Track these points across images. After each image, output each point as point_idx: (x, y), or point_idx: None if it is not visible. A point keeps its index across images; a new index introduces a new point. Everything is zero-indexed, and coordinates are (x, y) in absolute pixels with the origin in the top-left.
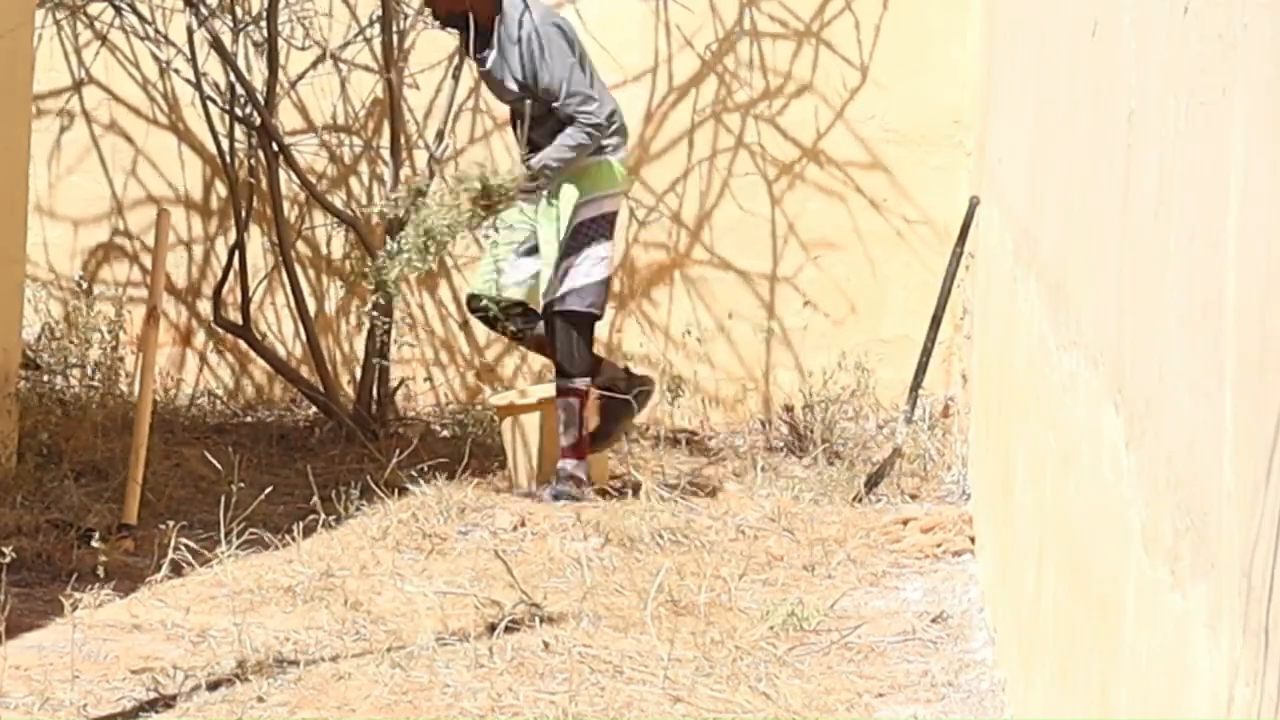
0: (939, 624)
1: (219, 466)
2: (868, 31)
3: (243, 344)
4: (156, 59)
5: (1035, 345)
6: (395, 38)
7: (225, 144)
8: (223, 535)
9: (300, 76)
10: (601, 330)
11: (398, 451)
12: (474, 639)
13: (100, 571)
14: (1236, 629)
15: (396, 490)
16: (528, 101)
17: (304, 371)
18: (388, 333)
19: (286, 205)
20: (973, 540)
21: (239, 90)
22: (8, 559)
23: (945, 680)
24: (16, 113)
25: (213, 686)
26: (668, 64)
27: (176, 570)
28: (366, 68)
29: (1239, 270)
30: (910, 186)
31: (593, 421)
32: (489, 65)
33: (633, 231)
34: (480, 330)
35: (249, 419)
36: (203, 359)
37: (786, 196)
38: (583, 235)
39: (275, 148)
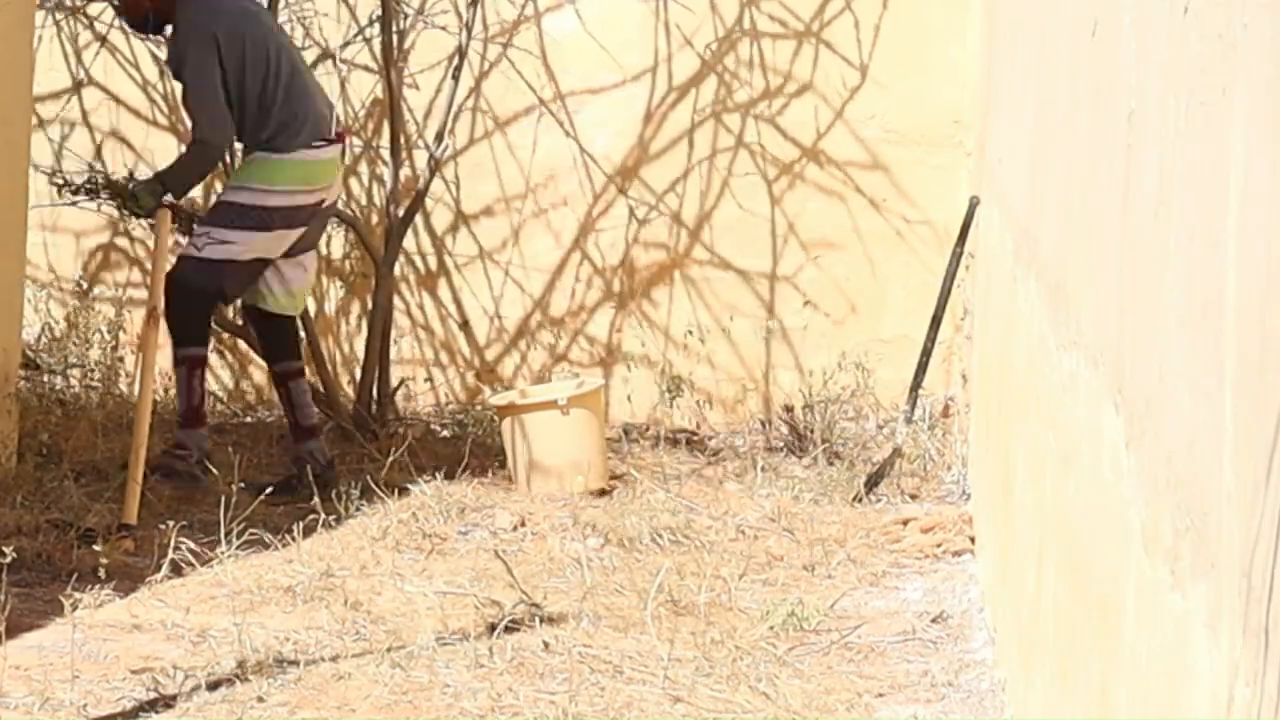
0: (939, 624)
1: (217, 468)
2: (867, 31)
3: (243, 344)
4: (156, 59)
5: (1035, 345)
6: (395, 38)
7: None
8: (223, 535)
9: None
10: (602, 330)
11: (394, 450)
12: (474, 639)
13: (100, 571)
14: (1236, 629)
15: (396, 490)
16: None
17: None
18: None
19: None
20: (973, 540)
21: None
22: (8, 559)
23: (945, 680)
24: (17, 113)
25: (213, 686)
26: (668, 64)
27: (176, 570)
28: (366, 68)
29: (1239, 270)
30: (910, 186)
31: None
32: (165, 59)
33: (633, 231)
34: (480, 330)
35: (249, 419)
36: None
37: (786, 196)
38: (223, 214)
39: None
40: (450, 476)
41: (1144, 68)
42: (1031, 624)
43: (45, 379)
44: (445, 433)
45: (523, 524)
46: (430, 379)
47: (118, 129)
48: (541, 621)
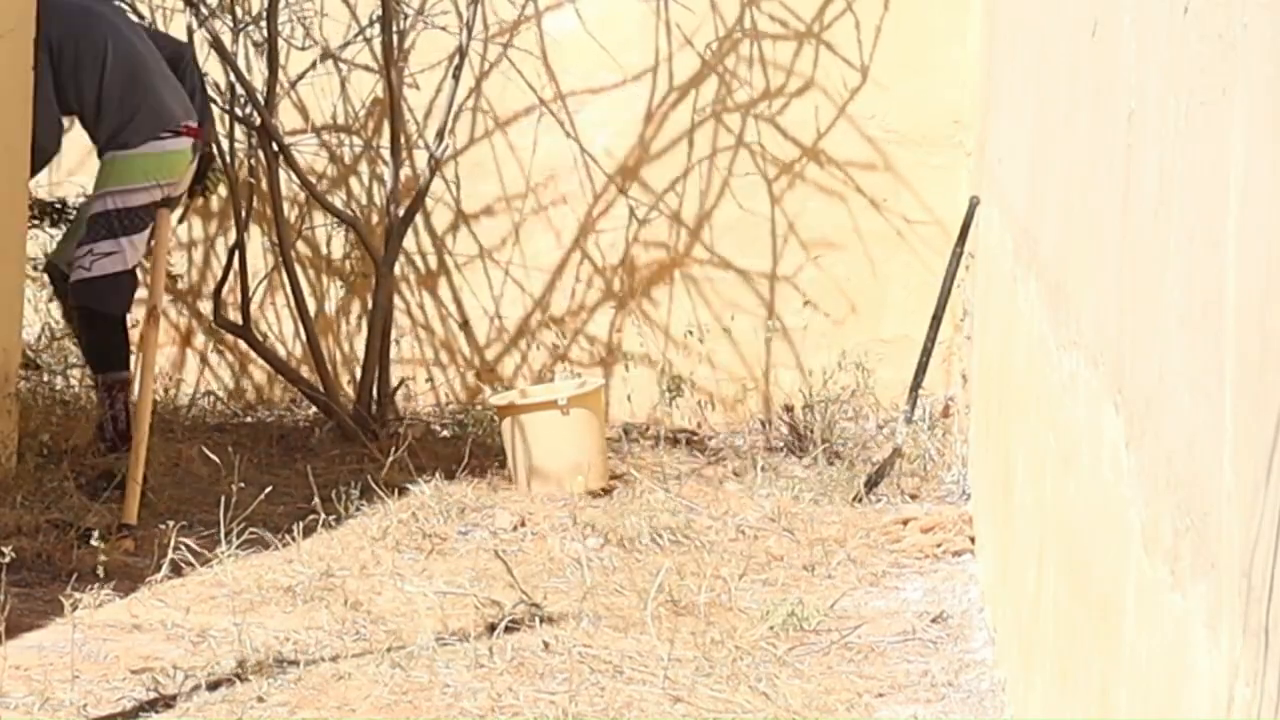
0: (939, 624)
1: (219, 466)
2: (868, 32)
3: (243, 344)
4: None
5: (1035, 345)
6: (395, 38)
7: (225, 144)
8: (223, 535)
9: (300, 76)
10: (602, 330)
11: (394, 450)
12: (474, 639)
13: (100, 571)
14: (1236, 629)
15: (396, 490)
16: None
17: (304, 371)
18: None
19: (286, 205)
20: (973, 540)
21: (239, 90)
22: (8, 559)
23: (945, 680)
24: (17, 113)
25: (213, 686)
26: (668, 63)
27: (176, 570)
28: (366, 68)
29: (1239, 270)
30: (910, 186)
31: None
32: None
33: (633, 231)
34: (480, 330)
35: (249, 419)
36: (203, 359)
37: (786, 196)
38: (97, 227)
39: (275, 148)
40: (450, 476)
41: (1144, 68)
42: (1031, 624)
43: (45, 379)
44: (445, 433)
45: (523, 524)
46: (430, 379)
47: None
48: (541, 621)
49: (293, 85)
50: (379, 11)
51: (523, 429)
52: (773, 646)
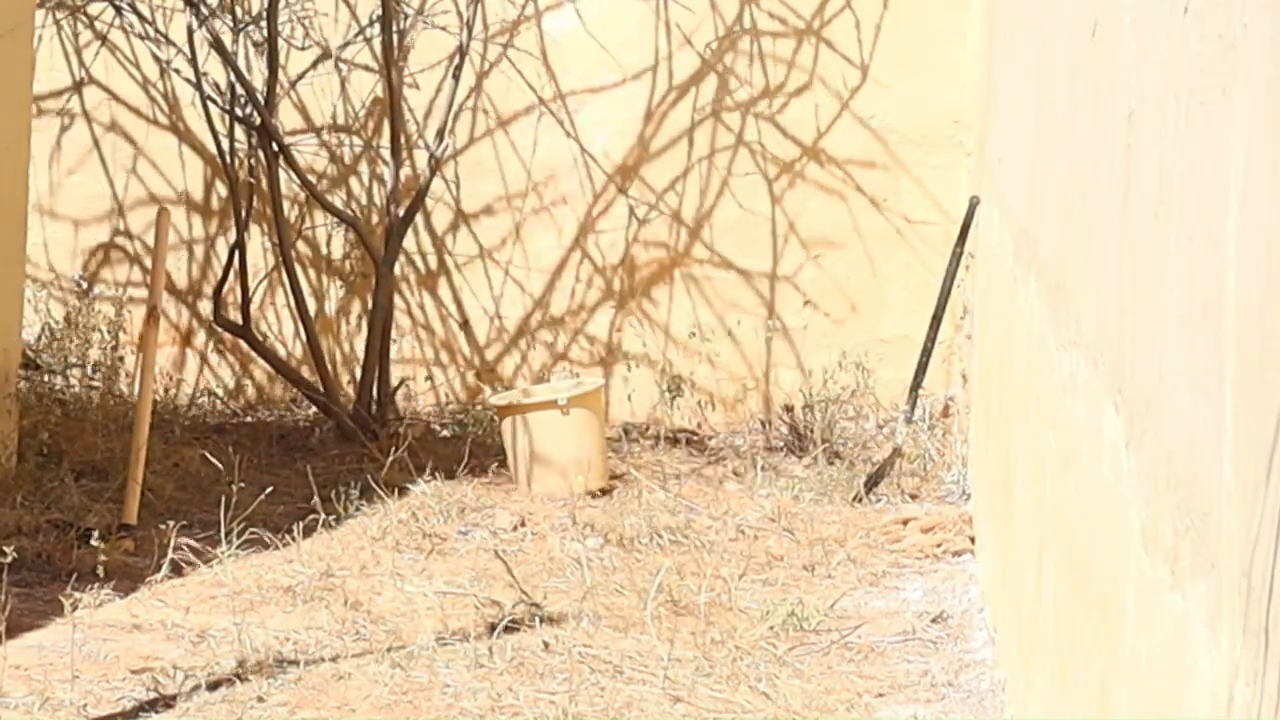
0: (939, 624)
1: (219, 466)
2: (868, 31)
3: (243, 344)
4: (156, 59)
5: (1035, 345)
6: (395, 38)
7: (225, 144)
8: (223, 535)
9: (300, 76)
10: (602, 330)
11: (394, 450)
12: (474, 639)
13: (100, 571)
14: (1236, 629)
15: (396, 490)
16: None
17: (304, 371)
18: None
19: (286, 205)
20: (973, 540)
21: (239, 90)
22: (8, 559)
23: (945, 680)
24: (16, 113)
25: (213, 686)
26: (668, 63)
27: (176, 570)
28: (366, 68)
29: (1239, 270)
30: (910, 186)
31: None
32: None
33: (633, 230)
34: (480, 330)
35: (249, 419)
36: (203, 359)
37: (787, 195)
38: None
39: (275, 148)
40: (450, 476)
41: (1144, 68)
42: (1031, 624)
43: (45, 379)
44: (445, 433)
45: (523, 524)
46: (430, 379)
47: (118, 127)
48: (541, 621)
49: (293, 85)
50: (379, 11)
51: (523, 429)
52: (773, 646)
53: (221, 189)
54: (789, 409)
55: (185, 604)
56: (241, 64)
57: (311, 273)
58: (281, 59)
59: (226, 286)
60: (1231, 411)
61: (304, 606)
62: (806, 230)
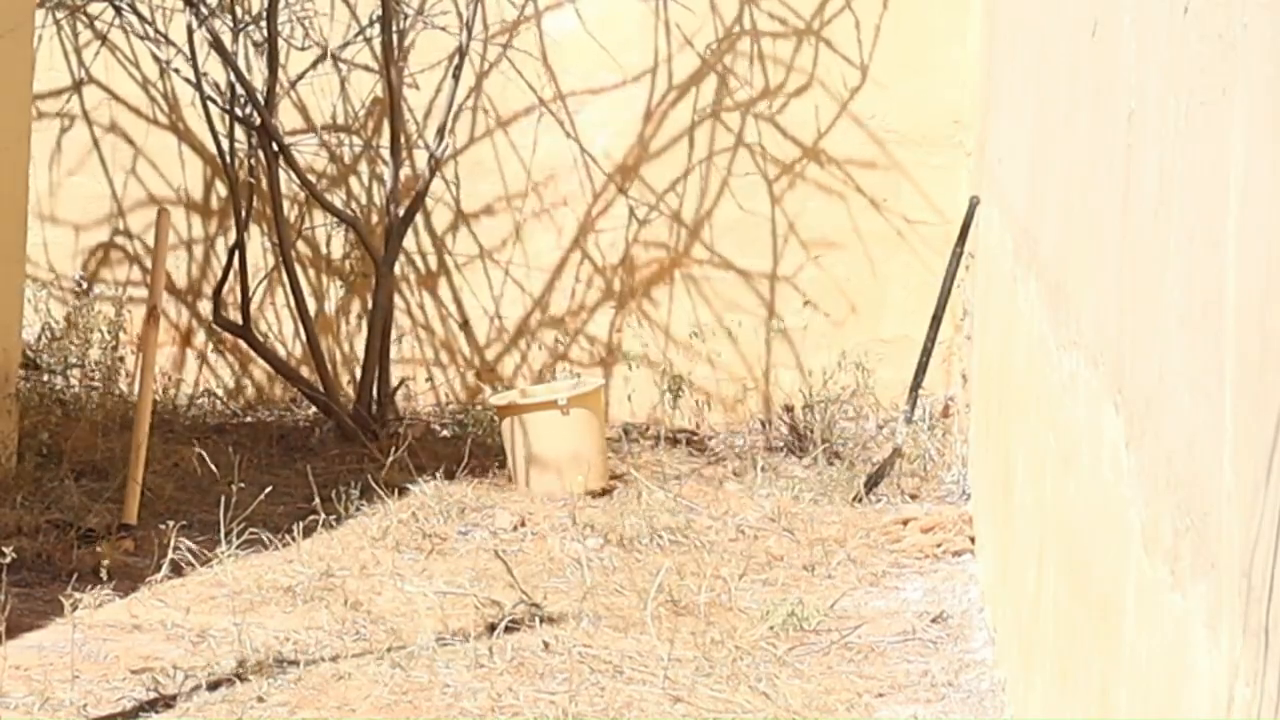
0: (939, 624)
1: (218, 467)
2: (868, 31)
3: (243, 344)
4: (156, 59)
5: (1035, 345)
6: (395, 38)
7: (225, 144)
8: (223, 535)
9: (300, 76)
10: (602, 330)
11: (394, 450)
12: (474, 639)
13: (100, 571)
14: (1236, 629)
15: (396, 490)
16: None
17: (304, 371)
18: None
19: (286, 205)
20: (973, 540)
21: (239, 90)
22: (8, 559)
23: (945, 680)
24: (16, 113)
25: (213, 686)
26: (668, 63)
27: (176, 570)
28: (366, 68)
29: (1239, 270)
30: (910, 186)
31: None
32: None
33: (633, 231)
34: (480, 330)
35: (249, 419)
36: (203, 359)
37: (786, 196)
38: None
39: (275, 148)
40: (450, 476)
41: (1144, 68)
42: (1031, 624)
43: (45, 379)
44: (445, 433)
45: (523, 524)
46: (430, 379)
47: (118, 127)
48: (541, 621)
49: (293, 85)
50: (379, 11)
51: (523, 429)
52: (773, 646)
53: (221, 189)
54: (789, 409)
55: (185, 604)
56: (241, 64)
57: (311, 273)
58: (281, 59)
59: (226, 286)
60: (1231, 411)
61: (304, 606)
62: (806, 231)
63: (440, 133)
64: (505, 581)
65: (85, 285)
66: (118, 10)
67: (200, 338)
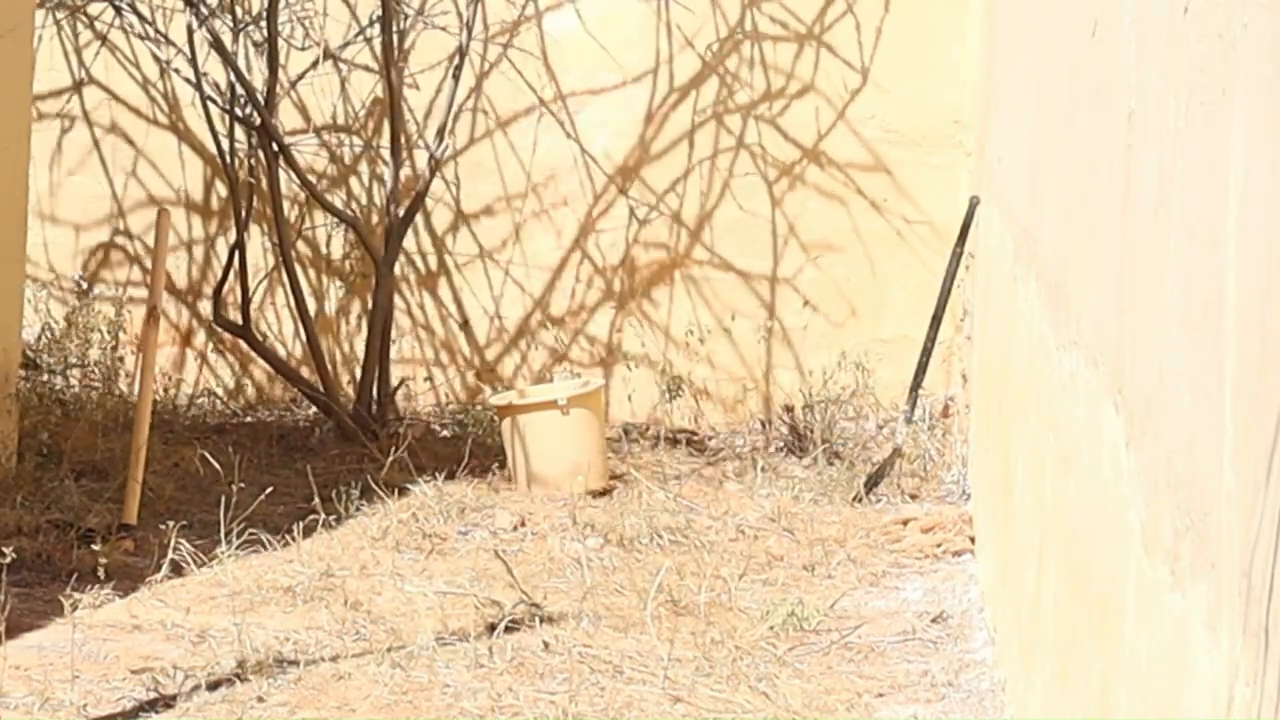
0: (939, 624)
1: (219, 466)
2: (868, 33)
3: (243, 344)
4: (156, 59)
5: (1035, 345)
6: (395, 38)
7: (225, 144)
8: (223, 535)
9: (300, 76)
10: (602, 330)
11: (394, 450)
12: (474, 639)
13: (100, 571)
14: (1236, 629)
15: (396, 490)
16: None
17: (304, 371)
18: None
19: (286, 205)
20: (973, 540)
21: (239, 90)
22: (8, 559)
23: (945, 680)
24: (16, 113)
25: (213, 686)
26: (668, 64)
27: (176, 570)
28: (366, 68)
29: (1239, 270)
30: (910, 187)
31: None
32: None
33: (633, 231)
34: (480, 330)
35: (249, 419)
36: (203, 359)
37: (787, 197)
38: None
39: (275, 148)
40: (450, 476)
41: (1144, 68)
42: (1031, 624)
43: (45, 379)
44: (445, 433)
45: (523, 524)
46: (430, 379)
47: (118, 127)
48: (541, 621)
49: (293, 85)
50: (379, 11)
51: (523, 429)
52: (773, 646)
53: (221, 189)
54: (789, 409)
55: (185, 604)
56: (241, 64)
57: (311, 273)
58: (281, 59)
59: (226, 286)
60: (1231, 411)
61: (304, 606)
62: (806, 232)
63: (440, 133)
64: (505, 581)
65: (85, 285)
66: (118, 10)
67: (200, 338)
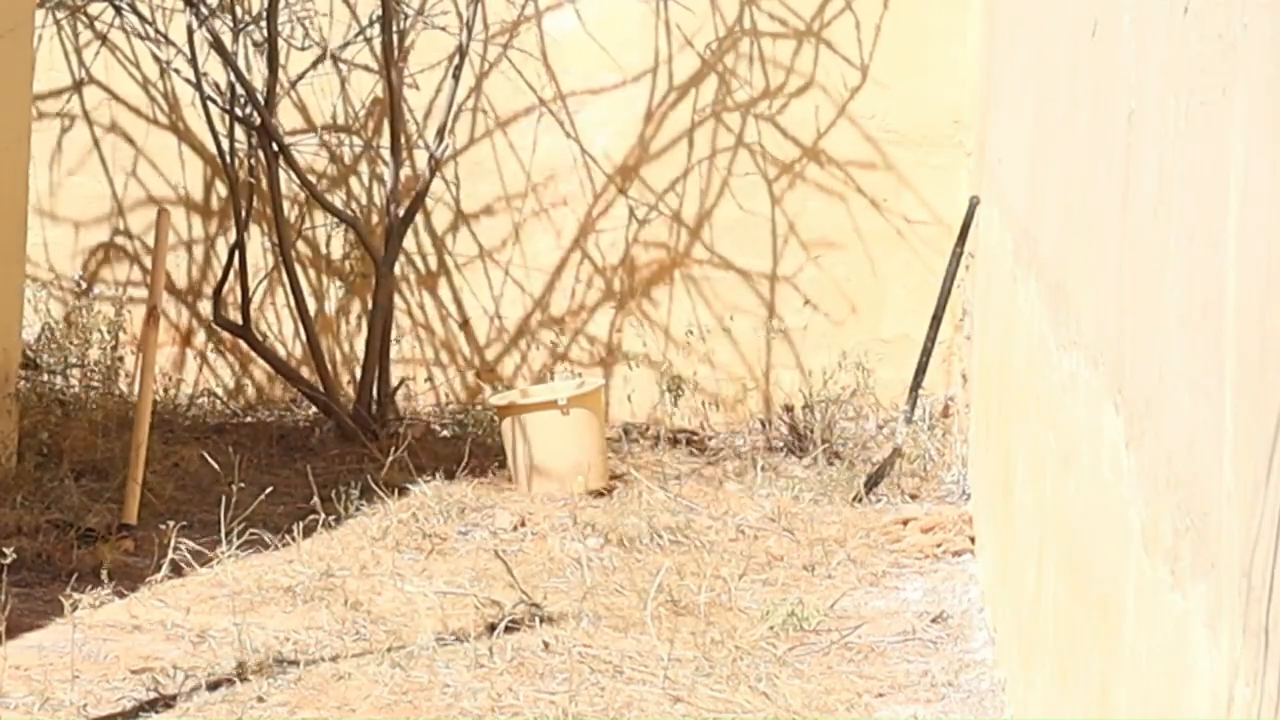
0: (939, 624)
1: (218, 467)
2: (868, 31)
3: (243, 344)
4: (156, 59)
5: (1035, 345)
6: (395, 38)
7: (225, 144)
8: (223, 535)
9: (300, 76)
10: (602, 330)
11: (394, 450)
12: (474, 639)
13: (100, 571)
14: (1236, 629)
15: (396, 490)
16: None
17: (304, 371)
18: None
19: (286, 205)
20: (973, 540)
21: (239, 90)
22: (8, 559)
23: (945, 680)
24: (16, 113)
25: (213, 686)
26: (668, 64)
27: (176, 570)
28: (366, 68)
29: (1239, 270)
30: (910, 186)
31: None
32: None
33: (633, 231)
34: (480, 330)
35: (249, 419)
36: (203, 359)
37: (787, 196)
38: None
39: (275, 148)
40: (450, 476)
41: (1144, 68)
42: (1031, 624)
43: (45, 379)
44: (445, 433)
45: (523, 524)
46: (430, 379)
47: (118, 127)
48: (541, 621)
49: (293, 85)
50: (379, 11)
51: (523, 429)
52: (773, 646)
53: (221, 189)
54: (789, 409)
55: (185, 604)
56: (241, 64)
57: (311, 273)
58: (281, 59)
59: (226, 286)
60: (1231, 411)
61: (304, 606)
62: (806, 231)
63: (440, 133)
64: (505, 581)
65: (85, 285)
66: (118, 10)
67: (200, 338)
